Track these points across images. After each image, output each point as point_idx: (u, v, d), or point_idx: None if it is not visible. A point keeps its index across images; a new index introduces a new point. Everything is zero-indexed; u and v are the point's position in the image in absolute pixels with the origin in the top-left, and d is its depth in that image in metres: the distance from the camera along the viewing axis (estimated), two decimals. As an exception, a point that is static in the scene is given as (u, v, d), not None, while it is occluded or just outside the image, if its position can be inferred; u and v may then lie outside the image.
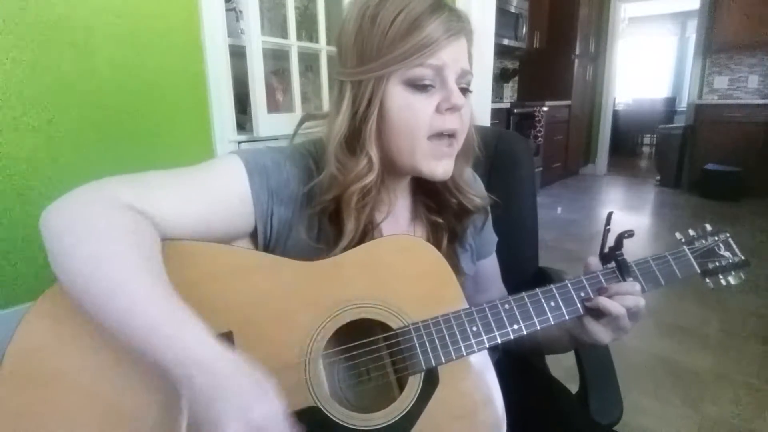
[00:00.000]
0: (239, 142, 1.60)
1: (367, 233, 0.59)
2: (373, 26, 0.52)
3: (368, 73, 0.53)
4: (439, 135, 0.56)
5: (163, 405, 0.46)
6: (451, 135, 0.57)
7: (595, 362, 0.72)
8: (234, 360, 0.42)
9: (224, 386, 0.40)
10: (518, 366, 0.75)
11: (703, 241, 0.69)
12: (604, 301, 0.58)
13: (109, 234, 0.44)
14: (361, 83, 0.54)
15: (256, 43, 1.54)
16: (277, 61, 1.84)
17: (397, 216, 0.66)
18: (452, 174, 0.61)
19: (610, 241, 0.62)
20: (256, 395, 0.41)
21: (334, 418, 0.51)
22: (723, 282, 0.68)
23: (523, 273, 0.94)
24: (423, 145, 0.55)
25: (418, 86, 0.54)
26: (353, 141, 0.56)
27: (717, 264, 0.68)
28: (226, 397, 0.40)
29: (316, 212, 0.58)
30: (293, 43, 1.69)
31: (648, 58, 7.87)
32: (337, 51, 0.58)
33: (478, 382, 0.57)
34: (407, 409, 0.53)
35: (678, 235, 0.71)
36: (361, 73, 0.54)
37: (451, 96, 0.54)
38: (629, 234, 0.61)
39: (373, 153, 0.56)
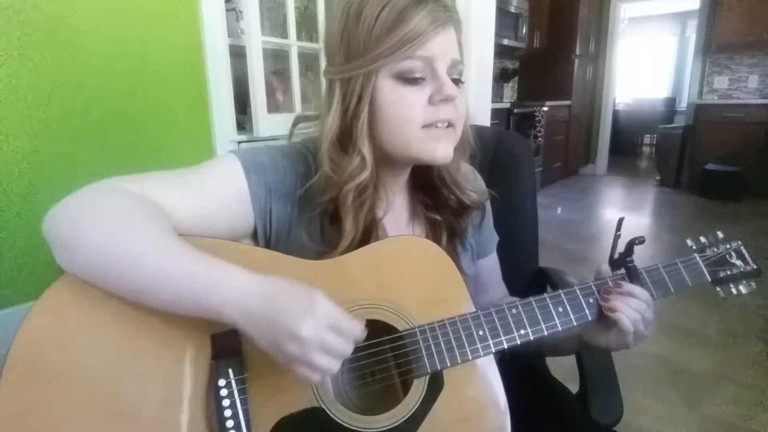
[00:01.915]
0: (239, 142, 1.60)
1: (370, 231, 0.58)
2: (357, 22, 0.52)
3: (356, 70, 0.53)
4: (433, 124, 0.55)
5: (167, 396, 0.46)
6: (448, 124, 0.56)
7: (596, 362, 0.72)
8: (276, 279, 0.46)
9: (280, 301, 0.44)
10: (519, 367, 0.74)
11: (715, 249, 0.67)
12: (620, 317, 0.57)
13: (120, 212, 0.46)
14: (350, 80, 0.54)
15: (256, 43, 1.54)
16: (277, 61, 1.84)
17: (397, 214, 0.65)
18: (449, 169, 0.61)
19: (621, 247, 0.61)
20: (311, 297, 0.44)
21: (337, 420, 0.50)
22: (734, 291, 0.67)
23: (523, 273, 0.94)
24: (417, 134, 0.54)
25: (409, 79, 0.53)
26: (345, 139, 0.56)
27: (728, 273, 0.66)
28: (286, 306, 0.43)
29: (316, 214, 0.58)
30: (293, 43, 1.69)
31: (648, 58, 7.86)
32: (325, 50, 0.58)
33: (482, 386, 0.56)
34: (411, 413, 0.52)
35: (689, 242, 0.69)
36: (349, 70, 0.53)
37: (443, 87, 0.53)
38: (640, 241, 0.60)
39: (366, 150, 0.55)
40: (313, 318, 0.43)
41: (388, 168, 0.61)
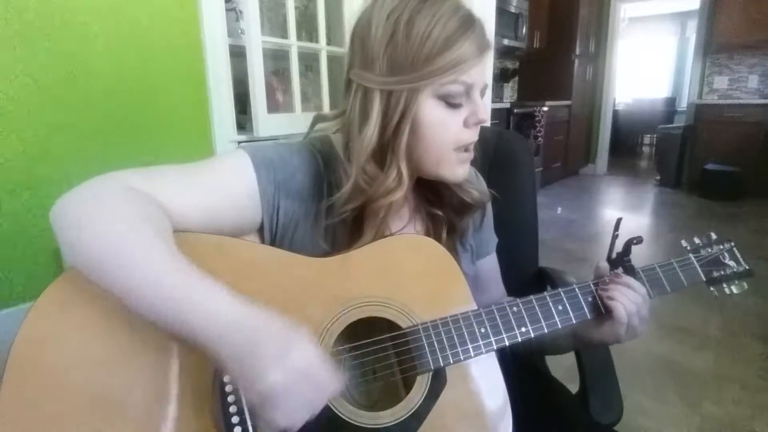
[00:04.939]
0: (239, 142, 1.60)
1: (380, 237, 0.59)
2: (408, 35, 0.51)
3: (402, 84, 0.52)
4: (464, 146, 0.57)
5: (172, 392, 0.46)
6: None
7: (595, 362, 0.72)
8: (263, 314, 0.43)
9: (258, 339, 0.41)
10: (519, 366, 0.75)
11: (709, 250, 0.69)
12: (616, 305, 0.58)
13: (122, 212, 0.45)
14: (392, 94, 0.53)
15: (256, 43, 1.54)
16: (277, 61, 1.84)
17: (400, 210, 0.66)
18: None
19: (618, 247, 0.62)
20: (291, 341, 0.41)
21: (342, 416, 0.51)
22: (727, 291, 0.69)
23: (523, 273, 0.94)
24: (449, 156, 0.57)
25: (449, 100, 0.54)
26: (382, 153, 0.56)
27: (722, 273, 0.68)
28: (261, 349, 0.40)
29: (334, 222, 0.58)
30: (293, 43, 1.69)
31: (648, 58, 7.86)
32: (360, 53, 0.55)
33: (485, 383, 0.57)
34: (415, 409, 0.53)
35: (684, 243, 0.71)
36: (394, 84, 0.53)
37: (478, 111, 0.56)
38: (638, 240, 0.61)
39: (404, 167, 0.56)
40: (284, 365, 0.40)
41: (411, 179, 0.62)
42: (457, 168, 0.58)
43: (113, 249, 0.44)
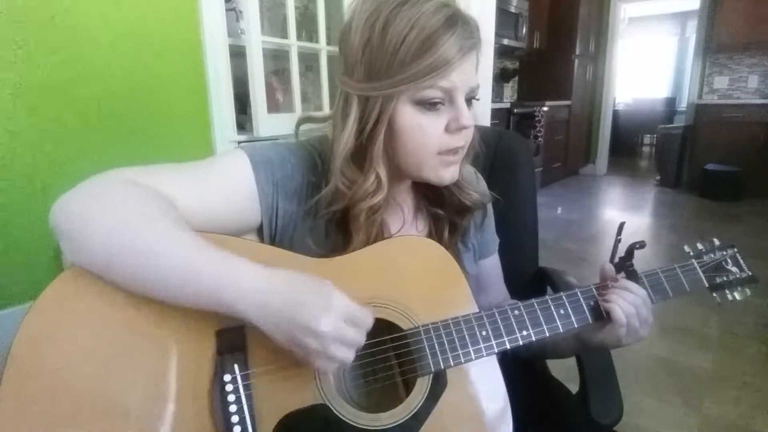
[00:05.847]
0: (239, 142, 1.60)
1: (377, 240, 0.59)
2: (383, 40, 0.50)
3: (377, 91, 0.52)
4: (447, 151, 0.56)
5: (171, 391, 0.46)
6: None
7: (596, 362, 0.72)
8: (289, 274, 0.46)
9: (297, 296, 0.44)
10: (519, 366, 0.75)
11: (712, 255, 0.69)
12: (613, 307, 0.58)
13: (131, 201, 0.46)
14: (369, 99, 0.53)
15: (256, 43, 1.54)
16: (277, 61, 1.84)
17: (402, 210, 0.66)
18: None
19: (621, 251, 0.62)
20: (326, 290, 0.45)
21: (342, 417, 0.51)
22: (729, 297, 0.68)
23: (523, 273, 0.94)
24: (431, 160, 0.56)
25: (428, 105, 0.53)
26: (360, 157, 0.56)
27: (725, 279, 0.68)
28: (304, 302, 0.44)
29: (323, 221, 0.58)
30: (293, 43, 1.69)
31: (648, 58, 7.86)
32: (342, 57, 0.56)
33: (485, 386, 0.57)
34: (415, 410, 0.53)
35: (686, 248, 0.70)
36: (369, 90, 0.52)
37: (460, 117, 0.53)
38: (640, 245, 0.60)
39: (382, 171, 0.55)
40: (330, 312, 0.44)
41: (398, 179, 0.61)
42: (441, 171, 0.57)
43: (129, 241, 0.43)
